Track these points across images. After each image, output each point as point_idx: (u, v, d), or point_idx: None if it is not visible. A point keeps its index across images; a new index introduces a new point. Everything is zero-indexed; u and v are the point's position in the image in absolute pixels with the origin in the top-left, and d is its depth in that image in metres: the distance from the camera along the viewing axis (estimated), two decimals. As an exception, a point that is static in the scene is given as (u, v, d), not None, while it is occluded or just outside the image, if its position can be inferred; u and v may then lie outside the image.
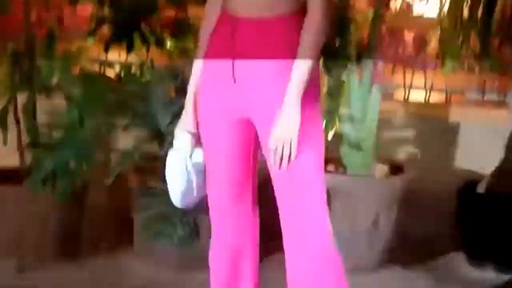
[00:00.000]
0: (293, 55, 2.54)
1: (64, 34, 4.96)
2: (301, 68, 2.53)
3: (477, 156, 4.73)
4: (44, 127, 3.92)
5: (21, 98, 4.12)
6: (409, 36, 5.26)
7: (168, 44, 4.27)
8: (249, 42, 2.59)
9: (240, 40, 2.60)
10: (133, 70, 4.04)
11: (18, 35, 4.83)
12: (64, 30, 5.04)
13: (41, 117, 4.04)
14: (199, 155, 2.77)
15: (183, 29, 4.24)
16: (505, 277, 4.06)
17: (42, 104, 4.07)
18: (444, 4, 4.13)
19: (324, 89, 4.23)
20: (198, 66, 2.77)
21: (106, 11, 4.23)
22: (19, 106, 4.11)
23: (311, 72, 2.55)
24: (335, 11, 3.95)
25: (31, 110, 4.06)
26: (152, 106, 3.93)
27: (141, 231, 3.92)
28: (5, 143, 4.03)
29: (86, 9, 4.65)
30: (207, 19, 2.78)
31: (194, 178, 2.77)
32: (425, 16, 5.07)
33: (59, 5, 4.92)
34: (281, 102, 2.54)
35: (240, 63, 2.61)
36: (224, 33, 2.65)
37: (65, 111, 3.87)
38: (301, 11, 2.58)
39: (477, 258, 4.19)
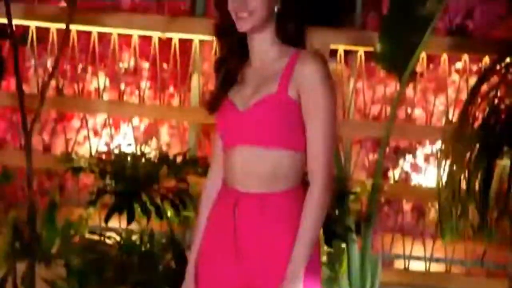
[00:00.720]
0: (295, 229, 2.56)
1: (65, 202, 5.01)
2: (303, 241, 2.55)
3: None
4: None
5: (21, 267, 4.10)
6: (407, 206, 5.31)
7: (169, 213, 4.29)
8: (250, 216, 2.61)
9: (241, 214, 2.63)
10: (133, 238, 4.04)
11: (19, 204, 4.88)
12: (65, 198, 5.10)
13: (40, 286, 4.01)
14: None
15: (184, 199, 4.27)
16: None
17: (42, 273, 4.06)
18: (442, 176, 4.19)
19: (323, 258, 4.23)
20: (198, 235, 2.79)
21: (108, 180, 4.28)
22: (19, 275, 4.09)
23: (313, 245, 2.56)
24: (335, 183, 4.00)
25: (30, 280, 4.04)
26: (152, 275, 3.91)
27: None
28: (1, 313, 3.99)
29: (88, 178, 4.72)
30: (208, 191, 2.80)
31: None
32: (423, 185, 5.13)
33: (61, 174, 5.00)
34: (284, 275, 2.54)
35: (241, 235, 2.63)
36: (225, 206, 2.67)
37: (65, 280, 3.85)
38: (303, 185, 2.62)
39: None
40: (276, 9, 2.61)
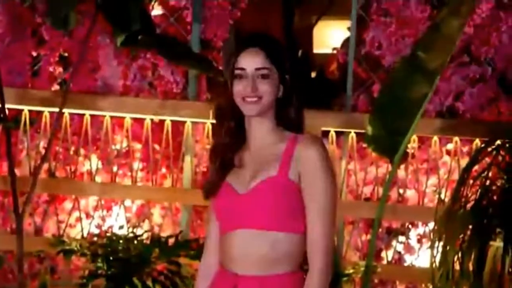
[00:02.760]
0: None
1: (56, 284, 4.97)
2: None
3: None
4: None
5: None
6: (401, 287, 5.28)
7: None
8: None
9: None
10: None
11: (10, 286, 4.84)
12: (56, 280, 5.06)
13: None
14: None
15: (175, 282, 4.25)
16: None
17: None
18: (435, 257, 4.18)
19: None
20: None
21: (99, 263, 4.26)
22: None
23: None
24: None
25: None
26: None
27: None
28: None
29: (80, 259, 4.69)
30: (203, 273, 2.78)
31: None
32: (416, 266, 5.11)
33: (53, 257, 4.97)
34: None
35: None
36: (224, 290, 2.67)
37: None
38: (303, 268, 2.62)
39: None
40: (278, 95, 2.66)
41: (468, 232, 4.08)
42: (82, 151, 5.14)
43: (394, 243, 5.19)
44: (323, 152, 2.62)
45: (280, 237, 2.60)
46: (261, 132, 2.68)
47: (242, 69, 2.64)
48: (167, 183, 5.18)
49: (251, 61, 2.63)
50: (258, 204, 2.61)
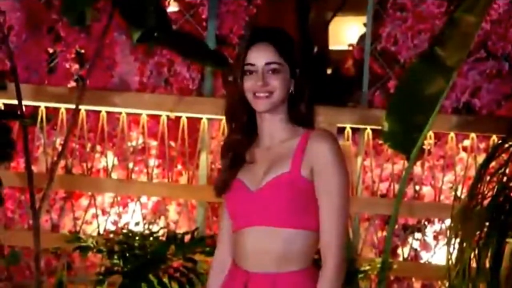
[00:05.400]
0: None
1: (73, 280, 4.99)
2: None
3: None
4: None
5: None
6: (417, 284, 5.27)
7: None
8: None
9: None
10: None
11: (26, 283, 4.86)
12: (72, 277, 5.08)
13: None
14: None
15: (191, 279, 4.25)
16: None
17: None
18: (451, 254, 4.16)
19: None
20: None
21: (115, 260, 4.27)
22: None
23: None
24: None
25: None
26: None
27: None
28: None
29: (96, 256, 4.70)
30: (216, 270, 2.79)
31: None
32: (433, 263, 5.10)
33: (69, 253, 4.98)
34: None
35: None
36: (234, 287, 2.66)
37: None
38: (315, 265, 2.60)
39: None
40: (290, 91, 2.64)
41: (485, 229, 4.05)
42: (98, 147, 5.16)
43: (410, 239, 5.17)
44: (335, 147, 2.59)
45: (293, 234, 2.59)
46: (273, 128, 2.66)
47: (252, 64, 2.63)
48: (183, 179, 5.19)
49: (261, 56, 2.61)
50: (270, 201, 2.60)
